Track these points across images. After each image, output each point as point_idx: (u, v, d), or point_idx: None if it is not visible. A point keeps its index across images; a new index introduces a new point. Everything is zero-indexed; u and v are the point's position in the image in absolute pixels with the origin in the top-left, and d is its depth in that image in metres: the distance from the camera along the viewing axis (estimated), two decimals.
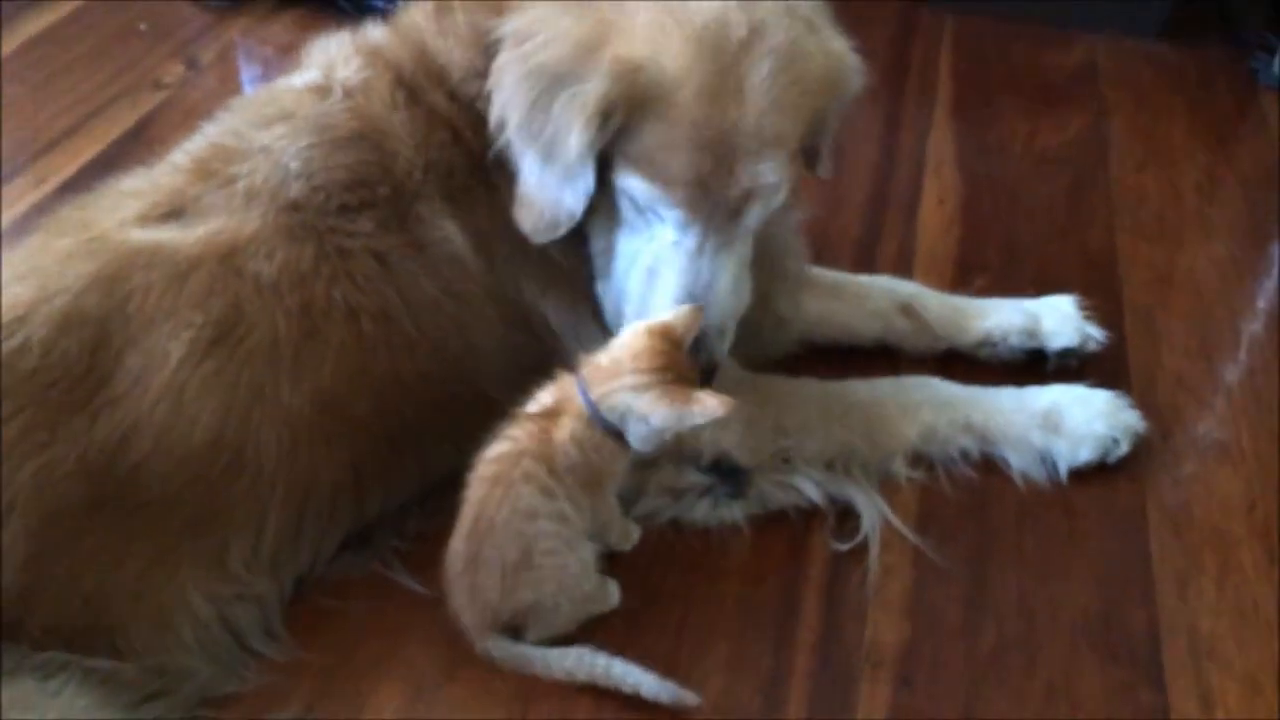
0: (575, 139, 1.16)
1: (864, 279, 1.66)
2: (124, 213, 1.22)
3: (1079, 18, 2.42)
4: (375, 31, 1.35)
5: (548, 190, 1.22)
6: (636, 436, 1.17)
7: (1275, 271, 1.84)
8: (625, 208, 1.25)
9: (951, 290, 1.69)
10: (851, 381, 1.47)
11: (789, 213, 1.45)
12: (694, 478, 1.37)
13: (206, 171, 1.25)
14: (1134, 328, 1.70)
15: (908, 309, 1.60)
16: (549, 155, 1.20)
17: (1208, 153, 2.09)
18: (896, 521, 1.38)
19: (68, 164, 1.96)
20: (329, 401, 1.22)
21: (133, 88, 2.15)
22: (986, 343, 1.59)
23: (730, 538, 1.38)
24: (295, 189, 1.23)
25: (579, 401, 1.17)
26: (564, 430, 1.17)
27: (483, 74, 1.25)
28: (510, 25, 1.22)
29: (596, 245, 1.30)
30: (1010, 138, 2.12)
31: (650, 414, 1.14)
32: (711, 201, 1.20)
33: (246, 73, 2.21)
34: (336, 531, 1.31)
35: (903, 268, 1.79)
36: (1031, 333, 1.58)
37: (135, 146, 1.99)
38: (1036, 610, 1.33)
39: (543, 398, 1.21)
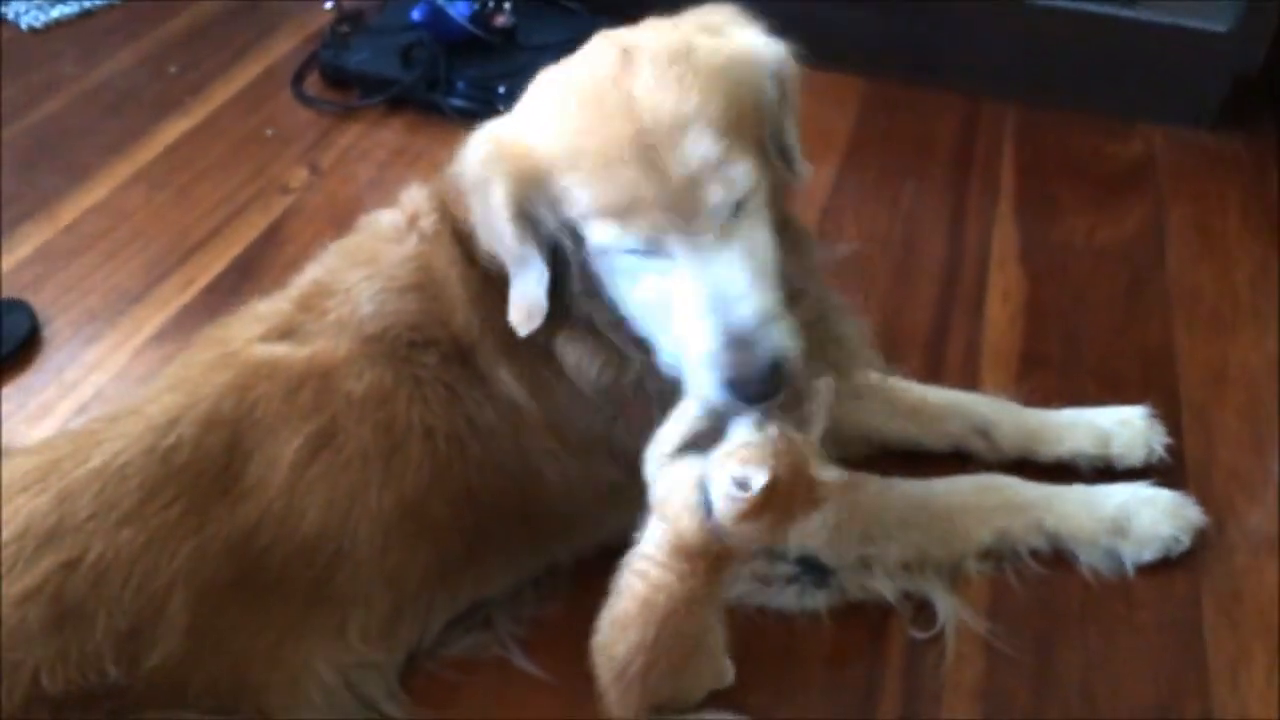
0: (506, 231, 1.27)
1: (941, 400, 1.75)
2: (251, 332, 1.40)
3: (1136, 106, 2.52)
4: (440, 183, 1.44)
5: (518, 283, 1.32)
6: None
7: None
8: (616, 267, 1.28)
9: (1016, 385, 1.82)
10: (931, 484, 1.59)
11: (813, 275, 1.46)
12: (782, 568, 1.52)
13: (309, 305, 1.42)
14: (1190, 421, 1.81)
15: (984, 434, 1.71)
16: (503, 251, 1.31)
17: (1261, 245, 2.18)
18: (968, 616, 1.51)
19: (212, 264, 2.15)
20: (411, 508, 1.36)
21: (264, 191, 2.34)
22: (1058, 465, 1.70)
23: (814, 627, 1.52)
24: (371, 325, 1.38)
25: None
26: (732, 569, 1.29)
27: None
28: (459, 155, 1.33)
29: (614, 317, 1.35)
30: (1071, 232, 2.23)
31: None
32: (667, 209, 1.19)
33: (363, 175, 2.40)
34: (436, 616, 1.48)
35: (970, 364, 1.92)
36: (1103, 457, 1.69)
37: (268, 249, 2.18)
38: (1098, 695, 1.45)
39: (685, 529, 1.22)
